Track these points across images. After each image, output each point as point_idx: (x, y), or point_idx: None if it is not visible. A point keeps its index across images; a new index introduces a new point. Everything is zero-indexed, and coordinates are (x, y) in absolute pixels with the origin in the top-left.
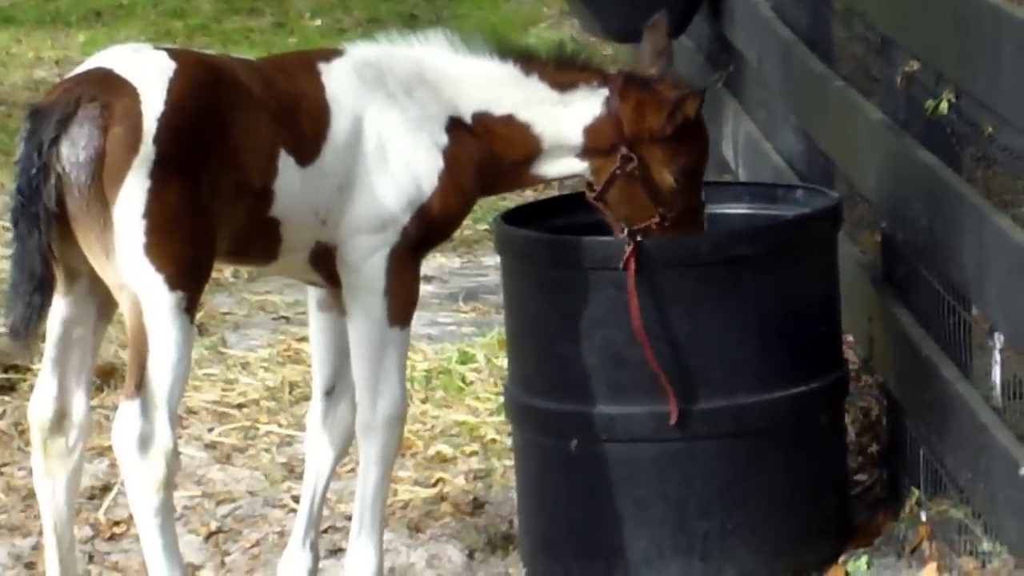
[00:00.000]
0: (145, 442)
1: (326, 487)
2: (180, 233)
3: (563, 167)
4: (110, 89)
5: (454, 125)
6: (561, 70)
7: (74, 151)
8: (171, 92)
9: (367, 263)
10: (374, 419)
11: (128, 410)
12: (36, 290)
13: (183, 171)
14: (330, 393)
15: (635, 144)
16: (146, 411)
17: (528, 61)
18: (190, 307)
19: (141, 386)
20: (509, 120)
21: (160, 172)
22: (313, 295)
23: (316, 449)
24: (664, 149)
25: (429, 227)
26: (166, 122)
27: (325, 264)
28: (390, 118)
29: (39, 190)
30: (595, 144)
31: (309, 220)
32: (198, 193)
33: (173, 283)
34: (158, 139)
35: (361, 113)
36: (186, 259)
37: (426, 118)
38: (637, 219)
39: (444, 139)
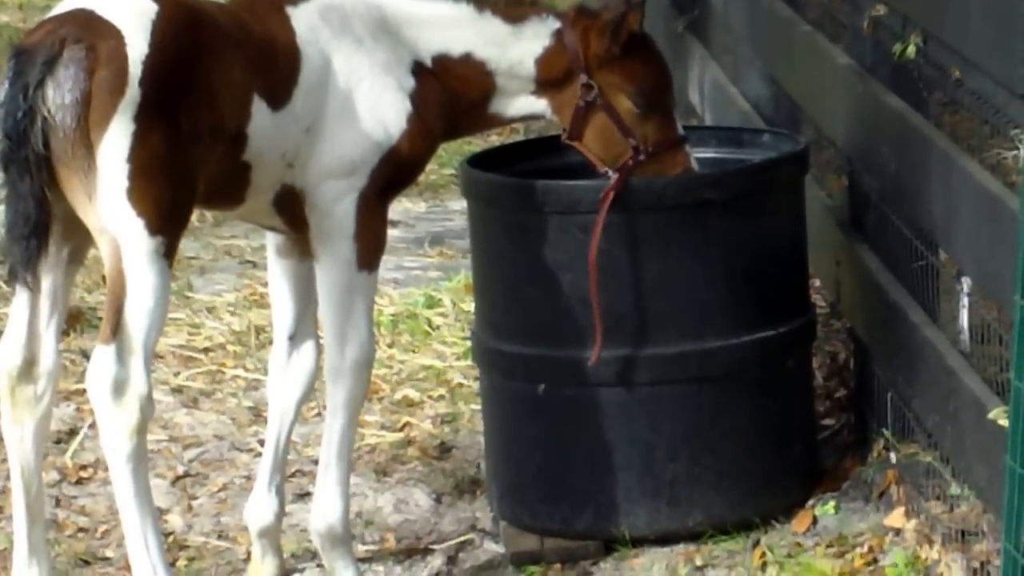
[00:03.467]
0: (120, 387)
1: (290, 431)
2: (162, 178)
3: (521, 105)
4: (94, 31)
5: (417, 68)
6: (512, 5)
7: (60, 93)
8: (154, 34)
9: (337, 207)
10: (342, 364)
11: (103, 355)
12: (33, 233)
13: (166, 115)
14: (293, 337)
15: (591, 72)
16: (122, 356)
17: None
18: (168, 252)
19: (117, 331)
20: (467, 59)
21: (144, 116)
22: (272, 241)
23: (280, 393)
24: (617, 72)
25: (397, 170)
26: (151, 65)
27: (288, 208)
28: (357, 62)
29: (27, 134)
30: (548, 75)
31: (276, 163)
32: (179, 137)
33: (153, 228)
34: (143, 82)
35: (329, 57)
36: (166, 204)
37: (392, 62)
38: (614, 155)
39: (410, 82)
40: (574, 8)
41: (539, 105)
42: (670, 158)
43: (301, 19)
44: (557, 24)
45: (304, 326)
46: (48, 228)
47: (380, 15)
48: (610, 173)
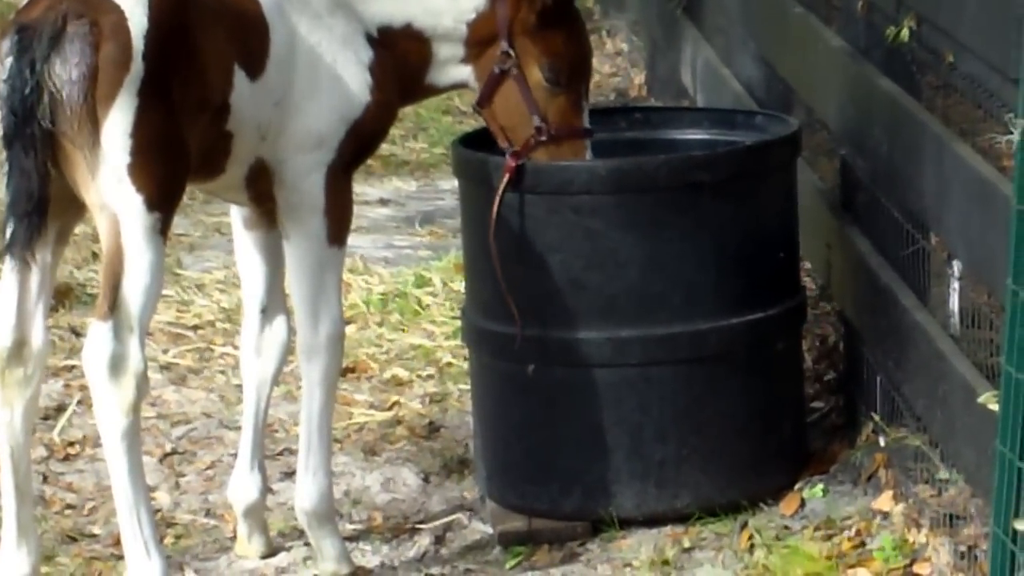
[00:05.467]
0: (117, 364)
1: (267, 405)
2: (161, 153)
3: (453, 74)
4: (95, 6)
5: (371, 41)
6: None
7: (67, 69)
8: (151, 9)
9: (305, 182)
10: (316, 340)
11: (100, 331)
12: (35, 210)
13: (164, 89)
14: (265, 311)
15: (512, 39)
16: (119, 333)
17: None
18: (165, 229)
19: (114, 308)
20: (407, 29)
21: (146, 90)
22: (238, 215)
23: (255, 368)
24: (536, 43)
25: (362, 142)
26: (152, 39)
27: (257, 182)
28: (319, 37)
29: (33, 110)
30: (477, 38)
31: (252, 134)
32: (175, 112)
33: (152, 204)
34: (146, 56)
35: (293, 30)
36: (166, 180)
37: (349, 35)
38: (516, 128)
39: (368, 55)
40: None
41: (465, 72)
42: (569, 147)
43: None
44: None
45: (275, 299)
46: (48, 205)
47: None
48: (508, 151)
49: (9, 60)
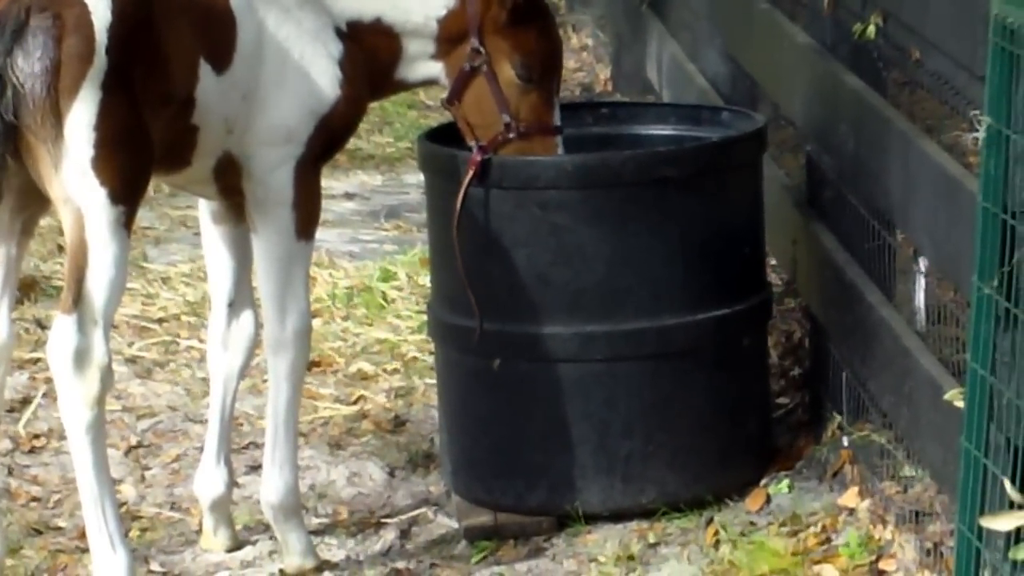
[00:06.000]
0: (81, 357)
1: (234, 399)
2: (124, 146)
3: (423, 70)
4: (58, 0)
5: (340, 35)
6: None
7: (29, 62)
8: (116, 3)
9: (273, 176)
10: (283, 335)
11: (64, 324)
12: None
13: (127, 83)
14: (232, 304)
15: (483, 37)
16: (83, 326)
17: None
18: (128, 222)
19: (79, 301)
20: (377, 24)
21: (111, 84)
22: (205, 209)
23: (222, 362)
24: (507, 40)
25: (331, 137)
26: (115, 33)
27: (224, 176)
28: (287, 31)
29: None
30: (448, 34)
31: (219, 128)
32: (139, 105)
33: (115, 197)
34: (110, 50)
35: (261, 24)
36: (129, 173)
37: (318, 29)
38: (486, 125)
39: (337, 49)
40: None
41: (435, 69)
42: (539, 144)
43: None
44: None
45: (242, 293)
46: (2, 196)
47: None
48: (475, 146)
49: None
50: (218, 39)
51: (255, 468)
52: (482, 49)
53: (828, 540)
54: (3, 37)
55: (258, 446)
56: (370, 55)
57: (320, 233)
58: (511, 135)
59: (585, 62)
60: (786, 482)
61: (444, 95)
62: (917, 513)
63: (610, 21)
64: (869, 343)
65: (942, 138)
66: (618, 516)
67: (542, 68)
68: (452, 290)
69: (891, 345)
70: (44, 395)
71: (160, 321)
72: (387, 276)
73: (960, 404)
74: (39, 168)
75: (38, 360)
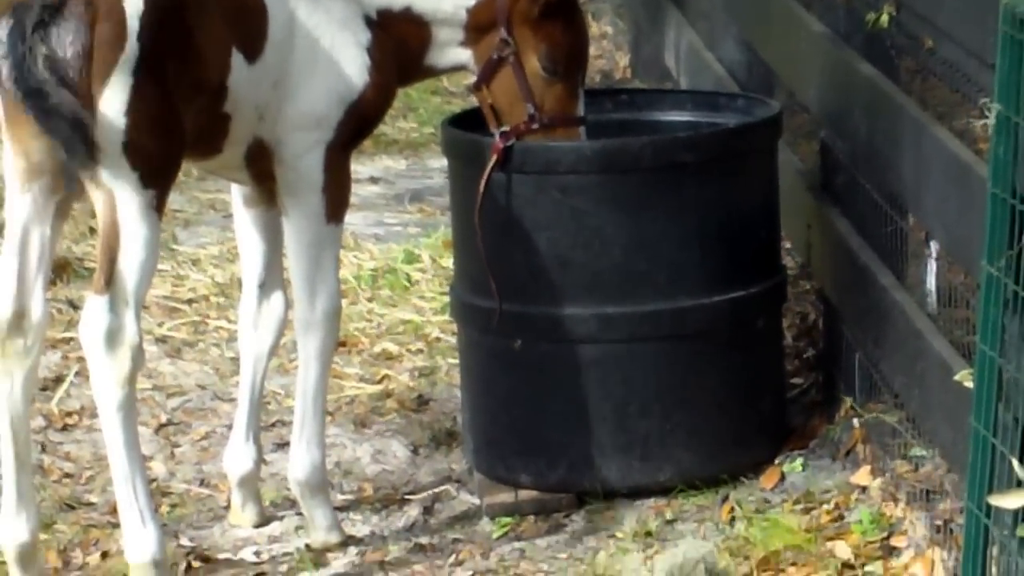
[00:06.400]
0: (113, 337)
1: (263, 378)
2: (156, 131)
3: (452, 56)
4: None
5: (369, 23)
6: None
7: (61, 46)
8: None
9: (303, 160)
10: (313, 315)
11: (97, 305)
12: (84, 129)
13: (159, 69)
14: (263, 285)
15: (511, 27)
16: (115, 306)
17: None
18: (160, 206)
19: (110, 282)
20: (407, 12)
21: (141, 70)
22: (238, 192)
23: (252, 341)
24: (535, 32)
25: (360, 122)
26: (146, 20)
27: (256, 161)
28: (317, 19)
29: (32, 70)
30: (477, 24)
31: (250, 115)
32: (170, 91)
33: (146, 181)
34: (141, 36)
35: (292, 14)
36: (160, 157)
37: (348, 18)
38: (511, 113)
39: (366, 36)
40: None
41: (465, 55)
42: (563, 134)
43: None
44: None
45: (273, 274)
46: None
47: None
48: (498, 133)
49: (4, 35)
50: (250, 28)
51: (282, 445)
52: (510, 40)
53: (841, 517)
54: (34, 17)
55: (285, 424)
56: (400, 42)
57: (346, 216)
58: (535, 125)
59: (605, 49)
60: (800, 461)
61: (470, 81)
62: (927, 491)
63: (628, 9)
64: (881, 325)
65: (953, 125)
66: (636, 493)
67: (568, 62)
68: (474, 272)
69: (903, 327)
70: (76, 374)
71: (189, 302)
72: (411, 258)
73: (969, 384)
74: None
75: (70, 340)
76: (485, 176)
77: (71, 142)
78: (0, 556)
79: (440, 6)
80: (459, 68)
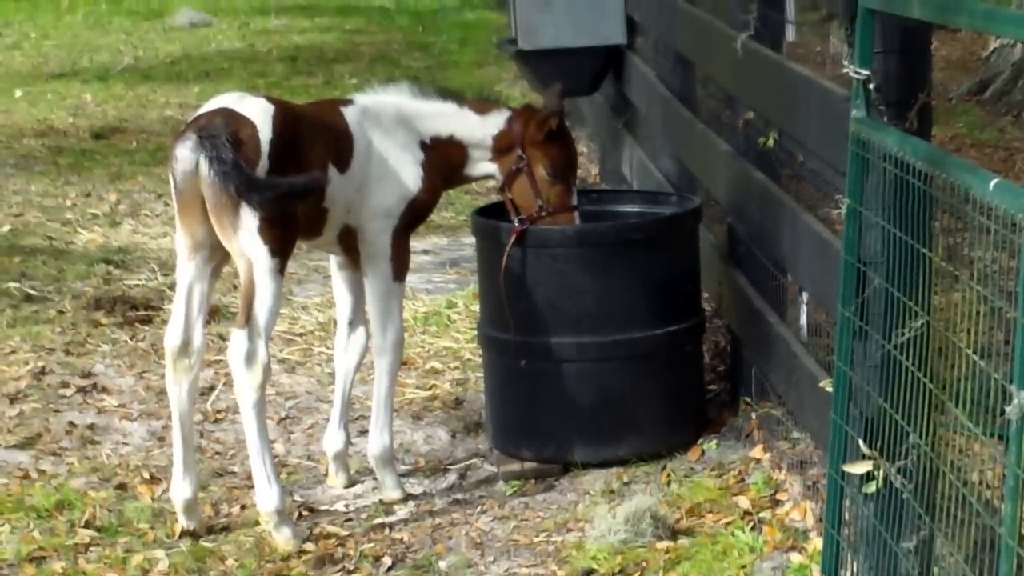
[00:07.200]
0: (250, 358)
1: (351, 386)
2: (279, 219)
3: (483, 168)
4: (237, 122)
5: (423, 145)
6: (481, 102)
7: (220, 161)
8: (274, 125)
9: (378, 239)
10: (384, 344)
11: (239, 336)
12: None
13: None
14: (350, 324)
15: (524, 147)
16: (251, 337)
17: (460, 98)
18: (282, 269)
19: (248, 320)
20: (451, 139)
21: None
22: (334, 260)
23: (343, 361)
24: (541, 151)
25: (416, 214)
26: (272, 145)
27: (346, 240)
28: (387, 144)
29: (220, 151)
30: (500, 146)
31: (341, 210)
32: None
33: (273, 253)
34: (270, 156)
35: (369, 140)
36: (283, 237)
37: (409, 142)
38: (525, 207)
39: (420, 155)
40: (523, 105)
41: (492, 168)
42: (563, 218)
43: (351, 115)
44: (509, 113)
45: (357, 316)
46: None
47: (396, 111)
48: (516, 221)
49: (185, 152)
50: (341, 150)
51: (363, 432)
52: (524, 155)
53: (743, 480)
54: (216, 135)
55: (365, 418)
56: (445, 159)
57: (407, 276)
58: (543, 213)
59: (581, 163)
60: (715, 442)
61: (495, 184)
62: (802, 462)
63: (597, 135)
64: (770, 349)
65: (818, 213)
66: (603, 464)
67: (565, 169)
68: (493, 314)
69: (784, 350)
70: (224, 384)
71: (301, 335)
72: (450, 305)
73: (830, 389)
74: (223, 232)
75: (220, 360)
76: (507, 249)
77: (244, 190)
78: (172, 508)
79: (474, 134)
80: (488, 176)
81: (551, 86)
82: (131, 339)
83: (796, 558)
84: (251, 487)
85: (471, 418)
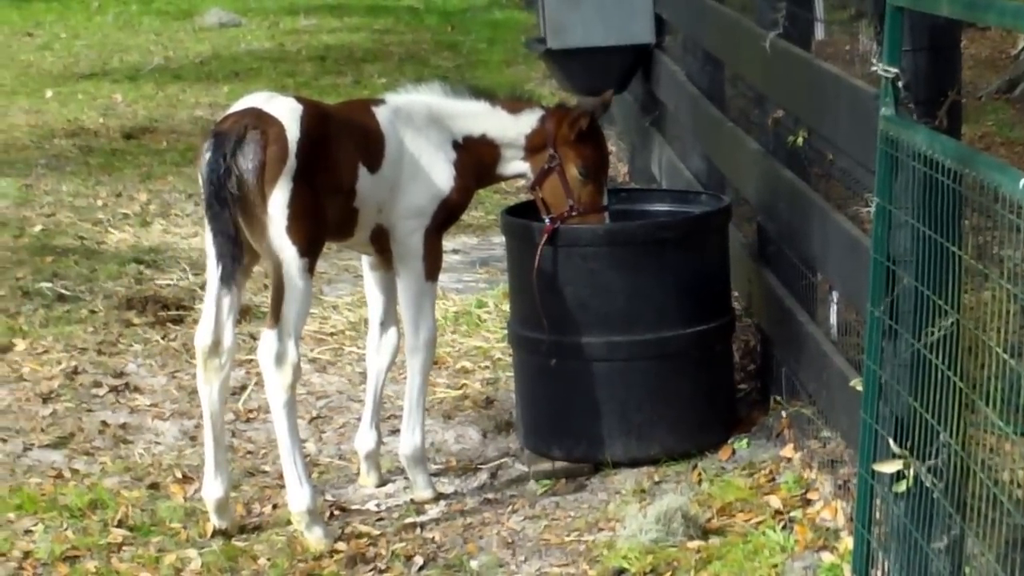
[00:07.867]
0: (280, 358)
1: (383, 386)
2: (308, 219)
3: (515, 167)
4: (265, 122)
5: (455, 145)
6: (513, 101)
7: (246, 161)
8: (302, 125)
9: (411, 239)
10: (417, 343)
11: (269, 336)
12: (234, 247)
13: (309, 178)
14: (382, 324)
15: (556, 146)
16: (281, 337)
17: (492, 98)
18: (311, 268)
19: (278, 320)
20: (483, 138)
21: (298, 178)
22: (366, 260)
23: (375, 361)
24: (573, 150)
25: (448, 213)
26: (301, 144)
27: (378, 240)
28: (419, 144)
29: (224, 183)
30: (532, 145)
31: (373, 210)
32: (317, 192)
33: (302, 253)
34: (297, 155)
35: (401, 139)
36: (311, 237)
37: (440, 142)
38: (556, 206)
39: (452, 155)
40: (556, 104)
41: (524, 167)
42: (593, 219)
43: (382, 115)
44: (541, 112)
45: (389, 316)
46: (242, 245)
47: (429, 110)
48: (547, 220)
49: (208, 154)
50: (372, 149)
51: (394, 432)
52: (556, 155)
53: (773, 479)
54: (231, 144)
55: (396, 417)
56: (478, 158)
57: (439, 276)
58: (574, 213)
59: (611, 162)
60: (745, 440)
61: (526, 183)
62: (833, 461)
63: (627, 134)
64: (800, 348)
65: (847, 212)
66: (634, 463)
67: (596, 168)
68: (523, 313)
69: (814, 349)
70: (255, 384)
71: (331, 334)
72: (481, 304)
73: (860, 388)
74: (252, 233)
75: (251, 360)
76: (539, 248)
77: (222, 244)
78: (204, 507)
79: (506, 133)
80: (520, 176)
81: (604, 91)
82: (163, 339)
83: (827, 557)
84: (283, 486)
85: (502, 417)
